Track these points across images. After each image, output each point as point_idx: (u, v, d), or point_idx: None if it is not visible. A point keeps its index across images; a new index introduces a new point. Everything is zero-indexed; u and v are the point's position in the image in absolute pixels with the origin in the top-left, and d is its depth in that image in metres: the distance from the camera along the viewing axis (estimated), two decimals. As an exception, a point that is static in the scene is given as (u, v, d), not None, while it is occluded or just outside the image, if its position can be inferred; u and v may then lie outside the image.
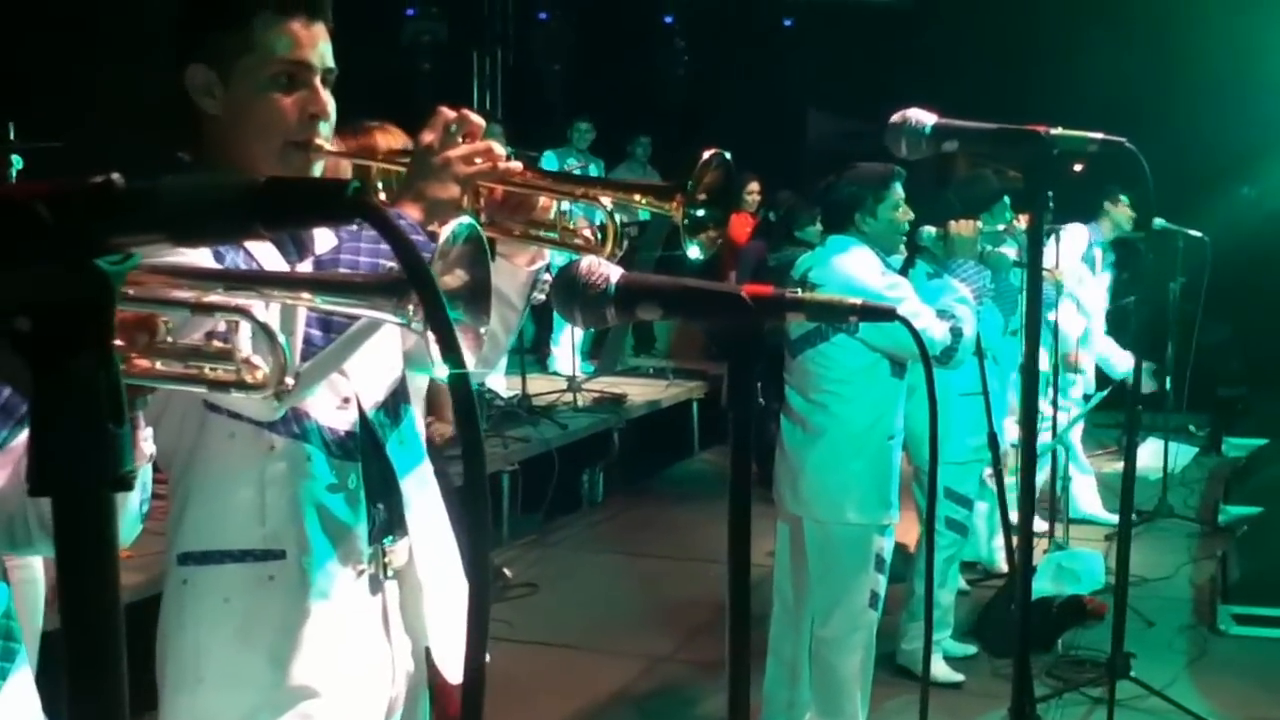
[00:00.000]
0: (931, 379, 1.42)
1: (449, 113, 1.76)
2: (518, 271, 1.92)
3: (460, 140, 1.75)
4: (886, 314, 1.40)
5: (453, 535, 2.08)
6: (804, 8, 10.88)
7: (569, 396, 7.67)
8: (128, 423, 0.73)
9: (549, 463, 6.65)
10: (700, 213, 1.75)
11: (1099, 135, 1.93)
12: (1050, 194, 6.13)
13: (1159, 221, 6.09)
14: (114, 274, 0.72)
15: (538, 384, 7.91)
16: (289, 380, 1.28)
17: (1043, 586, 5.16)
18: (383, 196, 1.89)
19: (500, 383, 7.65)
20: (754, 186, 9.06)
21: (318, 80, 1.80)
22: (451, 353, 0.73)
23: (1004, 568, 5.82)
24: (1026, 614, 1.94)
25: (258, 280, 1.37)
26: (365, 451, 1.88)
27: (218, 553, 1.83)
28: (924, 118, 1.97)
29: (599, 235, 1.85)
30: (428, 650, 1.99)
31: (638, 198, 1.81)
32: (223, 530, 1.83)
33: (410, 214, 1.70)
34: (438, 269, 1.39)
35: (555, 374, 8.43)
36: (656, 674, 4.97)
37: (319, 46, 1.79)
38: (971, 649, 5.00)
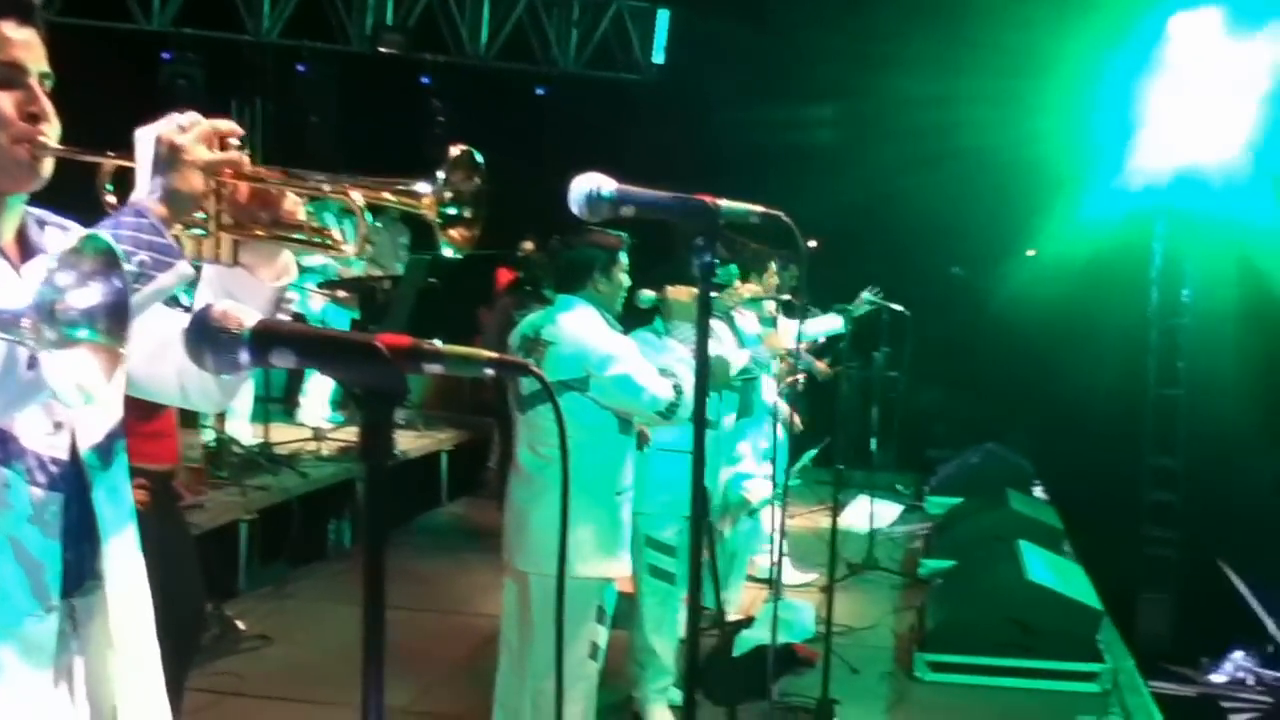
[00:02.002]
0: (563, 432, 1.42)
1: (177, 114, 1.67)
2: (262, 286, 1.79)
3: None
4: (520, 368, 1.40)
5: (150, 597, 1.92)
6: (555, 79, 11.06)
7: (313, 445, 7.41)
8: None
9: (291, 512, 6.40)
10: (453, 211, 1.68)
11: (760, 208, 2.02)
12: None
13: (865, 295, 6.46)
14: None
15: (284, 433, 7.63)
16: None
17: (760, 635, 5.27)
18: (111, 199, 1.76)
19: (245, 430, 7.34)
20: (529, 245, 9.04)
21: (33, 83, 1.69)
22: None
23: (729, 616, 5.95)
24: (694, 677, 1.95)
25: None
26: (70, 489, 1.72)
27: None
28: (604, 183, 2.00)
29: (345, 233, 1.77)
30: (114, 711, 1.82)
31: (387, 194, 1.70)
32: None
33: (155, 210, 1.59)
34: (65, 282, 1.28)
35: (303, 424, 8.14)
36: (390, 727, 4.79)
37: (33, 50, 1.69)
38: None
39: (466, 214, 1.70)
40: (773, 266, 6.50)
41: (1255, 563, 8.89)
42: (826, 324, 6.53)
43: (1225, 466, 9.09)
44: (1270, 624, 8.36)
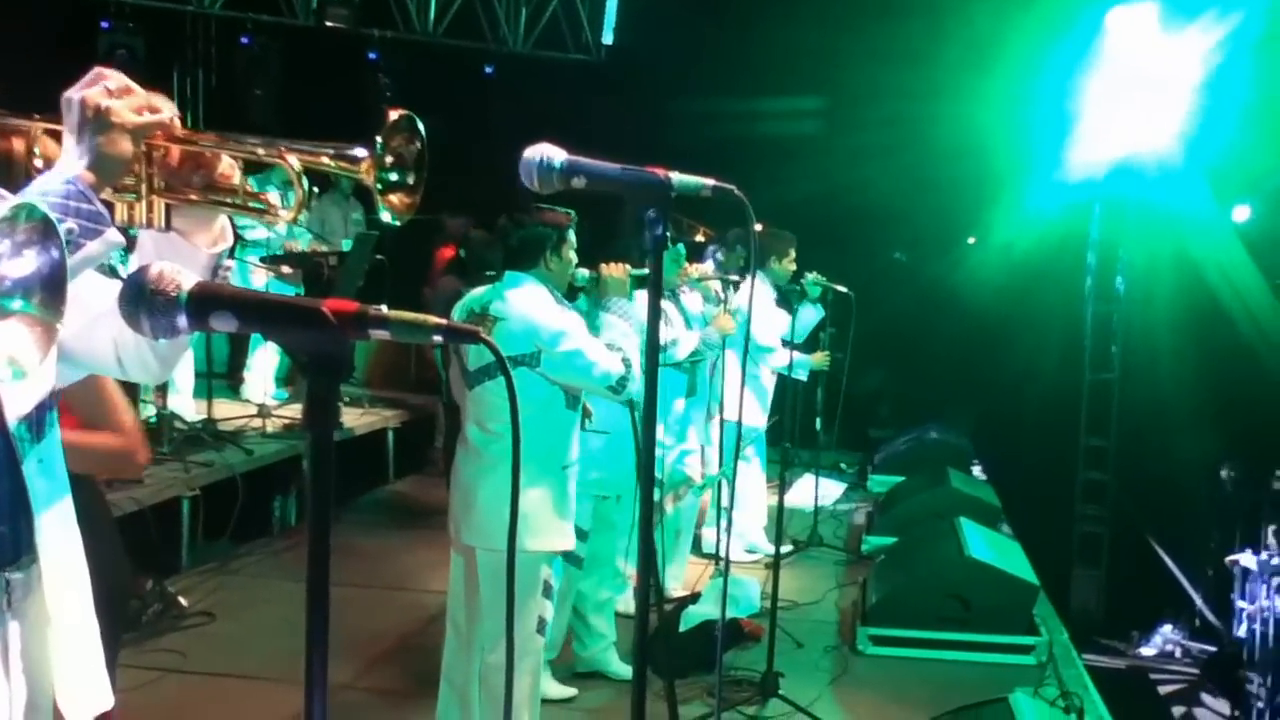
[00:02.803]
0: (515, 403, 1.38)
1: (106, 70, 1.60)
2: (197, 253, 1.72)
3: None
4: (469, 335, 1.35)
5: (87, 571, 1.85)
6: (504, 58, 10.92)
7: (258, 422, 7.29)
8: None
9: (235, 489, 6.29)
10: (392, 176, 1.64)
11: (711, 181, 2.00)
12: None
13: (811, 276, 6.46)
14: None
15: (228, 409, 7.50)
16: None
17: (706, 610, 5.28)
18: (40, 164, 1.69)
19: (188, 406, 7.20)
20: (469, 227, 8.89)
21: None
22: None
23: (673, 592, 5.95)
24: (644, 642, 1.93)
25: None
26: None
27: None
28: (554, 153, 1.97)
29: (285, 201, 1.72)
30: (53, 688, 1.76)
31: (325, 159, 1.66)
32: None
33: (83, 177, 1.51)
34: None
35: (247, 400, 8.00)
36: (335, 703, 4.69)
37: None
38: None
39: (407, 180, 1.66)
40: (792, 253, 6.49)
41: (1183, 539, 9.09)
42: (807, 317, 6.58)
43: (1156, 447, 9.26)
44: (1197, 598, 8.55)
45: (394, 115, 1.63)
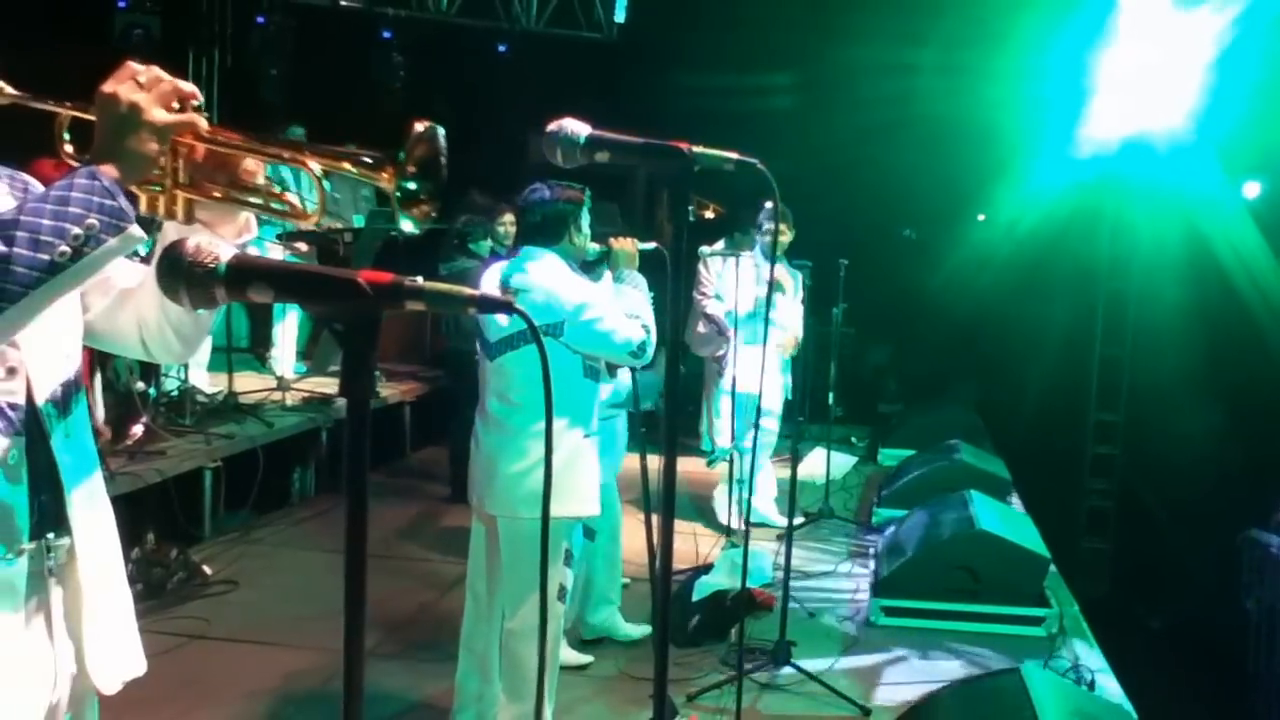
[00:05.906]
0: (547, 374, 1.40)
1: (136, 65, 1.60)
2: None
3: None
4: (504, 306, 1.36)
5: (117, 542, 1.88)
6: (516, 36, 10.89)
7: (278, 395, 7.33)
8: None
9: (256, 460, 6.35)
10: (412, 185, 1.62)
11: (734, 155, 2.00)
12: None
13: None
14: None
15: (247, 382, 7.55)
16: None
17: (718, 581, 5.31)
18: (69, 149, 1.69)
19: (203, 379, 7.25)
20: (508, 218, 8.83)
21: None
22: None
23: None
24: (666, 610, 1.96)
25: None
26: (31, 434, 1.67)
27: None
28: (578, 128, 1.98)
29: (306, 202, 1.73)
30: None
31: (347, 165, 1.66)
32: None
33: (106, 173, 1.52)
34: None
35: (269, 372, 8.05)
36: (354, 669, 4.75)
37: None
38: (648, 628, 5.09)
39: (427, 189, 1.64)
40: (762, 224, 6.47)
41: (1191, 514, 9.09)
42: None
43: (1164, 423, 9.25)
44: (1205, 573, 8.54)
45: (419, 127, 1.61)
